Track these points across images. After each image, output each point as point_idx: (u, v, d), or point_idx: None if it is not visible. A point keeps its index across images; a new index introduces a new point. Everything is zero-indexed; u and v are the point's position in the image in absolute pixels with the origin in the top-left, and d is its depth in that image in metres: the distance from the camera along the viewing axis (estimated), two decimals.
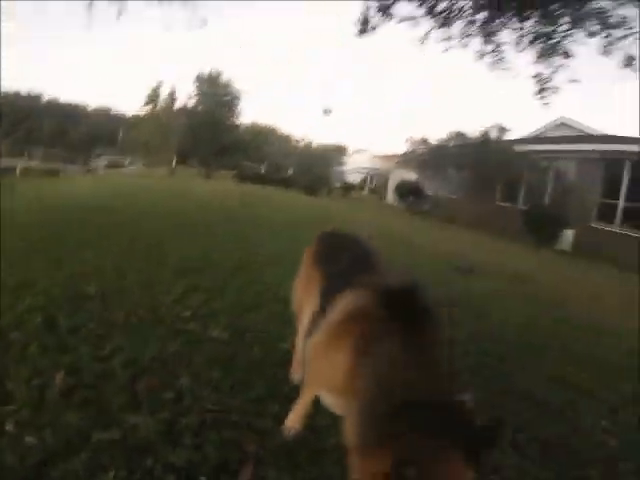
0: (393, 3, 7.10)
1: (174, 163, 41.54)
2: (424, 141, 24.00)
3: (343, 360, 1.45)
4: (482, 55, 7.37)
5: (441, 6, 7.19)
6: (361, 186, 42.59)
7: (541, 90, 7.20)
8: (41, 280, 4.03)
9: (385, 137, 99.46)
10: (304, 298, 2.17)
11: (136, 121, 47.36)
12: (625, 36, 6.05)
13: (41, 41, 75.70)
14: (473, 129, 21.96)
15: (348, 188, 37.07)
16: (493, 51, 7.43)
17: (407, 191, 25.48)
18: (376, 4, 7.24)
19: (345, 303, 1.65)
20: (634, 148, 15.19)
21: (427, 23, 7.30)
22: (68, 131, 55.99)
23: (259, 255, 6.44)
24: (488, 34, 7.24)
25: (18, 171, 26.74)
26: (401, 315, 1.41)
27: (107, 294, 3.93)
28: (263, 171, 36.60)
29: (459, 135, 22.36)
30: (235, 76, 71.82)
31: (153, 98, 45.81)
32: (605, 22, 6.05)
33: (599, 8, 6.04)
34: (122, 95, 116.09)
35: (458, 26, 7.33)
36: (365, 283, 1.67)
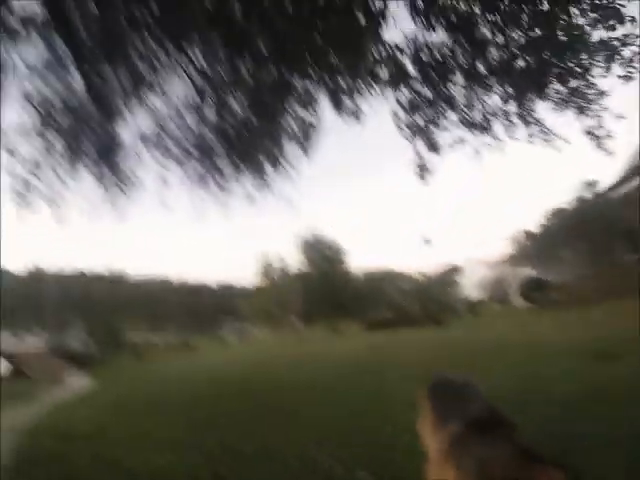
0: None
1: (298, 325, 43.19)
2: (528, 233, 22.95)
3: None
4: (531, 137, 7.36)
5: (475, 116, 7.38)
6: (485, 298, 40.44)
7: (598, 140, 6.87)
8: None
9: (489, 243, 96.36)
10: (428, 439, 2.44)
11: (255, 291, 51.32)
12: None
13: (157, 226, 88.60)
14: (562, 201, 20.74)
15: (473, 306, 35.52)
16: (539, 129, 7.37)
17: (530, 288, 23.92)
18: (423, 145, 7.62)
19: None
20: None
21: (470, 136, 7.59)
22: (197, 307, 61.81)
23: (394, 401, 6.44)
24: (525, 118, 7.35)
25: (159, 345, 29.60)
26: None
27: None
28: (388, 314, 36.42)
29: (557, 211, 21.16)
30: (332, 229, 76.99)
31: (266, 268, 49.94)
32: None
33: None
34: (238, 269, 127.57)
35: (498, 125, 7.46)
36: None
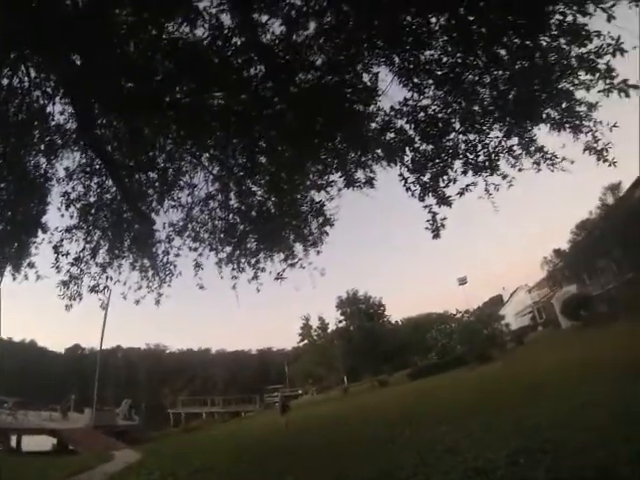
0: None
1: (345, 382, 42.84)
2: (557, 252, 22.81)
3: None
4: (537, 165, 7.63)
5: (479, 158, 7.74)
6: (532, 325, 39.46)
7: (598, 154, 7.19)
8: None
9: (522, 272, 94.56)
10: None
11: (298, 354, 51.35)
12: None
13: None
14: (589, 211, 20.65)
15: (520, 336, 34.75)
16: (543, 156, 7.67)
17: (573, 308, 23.43)
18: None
19: None
20: None
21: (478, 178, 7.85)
22: (239, 375, 61.59)
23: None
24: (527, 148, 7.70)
25: (204, 416, 29.57)
26: None
27: None
28: (434, 358, 35.88)
29: (582, 223, 21.12)
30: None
31: (305, 330, 50.09)
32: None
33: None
34: (279, 334, 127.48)
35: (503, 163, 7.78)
36: None
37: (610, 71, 6.14)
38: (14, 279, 8.84)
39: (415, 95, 7.12)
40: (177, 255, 9.46)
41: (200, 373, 69.66)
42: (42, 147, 8.23)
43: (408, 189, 7.62)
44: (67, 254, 8.76)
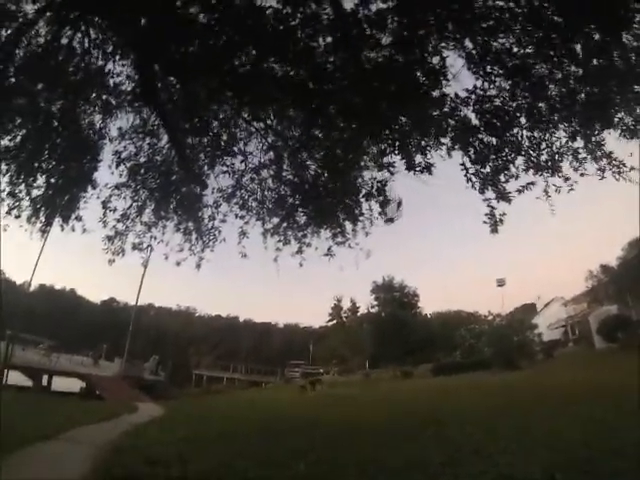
0: None
1: (367, 368, 42.82)
2: (605, 267, 21.78)
3: None
4: (602, 171, 7.21)
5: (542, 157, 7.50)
6: (564, 340, 38.21)
7: None
8: None
9: (564, 284, 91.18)
10: None
11: (324, 333, 51.67)
12: None
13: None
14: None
15: (550, 348, 33.73)
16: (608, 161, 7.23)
17: (612, 327, 22.44)
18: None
19: None
20: None
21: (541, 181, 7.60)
22: (263, 347, 62.34)
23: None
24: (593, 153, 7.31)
25: (225, 381, 30.28)
26: None
27: None
28: (459, 357, 35.29)
29: (635, 242, 20.00)
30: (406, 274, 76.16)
31: (336, 311, 50.23)
32: None
33: None
34: (307, 311, 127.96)
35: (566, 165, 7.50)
36: None
37: None
38: (62, 229, 9.10)
39: (483, 84, 6.76)
40: (223, 221, 9.42)
41: (226, 339, 71.06)
42: (98, 106, 8.34)
43: (469, 180, 7.30)
44: (114, 210, 9.00)
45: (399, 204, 8.29)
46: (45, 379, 24.27)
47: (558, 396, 10.78)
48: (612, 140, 7.08)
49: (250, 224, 9.36)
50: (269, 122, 8.16)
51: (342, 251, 9.13)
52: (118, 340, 38.24)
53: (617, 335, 22.40)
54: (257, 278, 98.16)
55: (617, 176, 7.12)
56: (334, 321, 51.38)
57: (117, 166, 8.74)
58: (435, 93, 6.65)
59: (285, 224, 9.23)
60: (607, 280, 21.82)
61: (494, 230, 7.59)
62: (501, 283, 48.73)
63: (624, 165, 6.99)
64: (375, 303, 45.93)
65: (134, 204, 9.10)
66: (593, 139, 7.13)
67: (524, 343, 30.85)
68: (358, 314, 49.63)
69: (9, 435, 5.97)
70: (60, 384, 24.37)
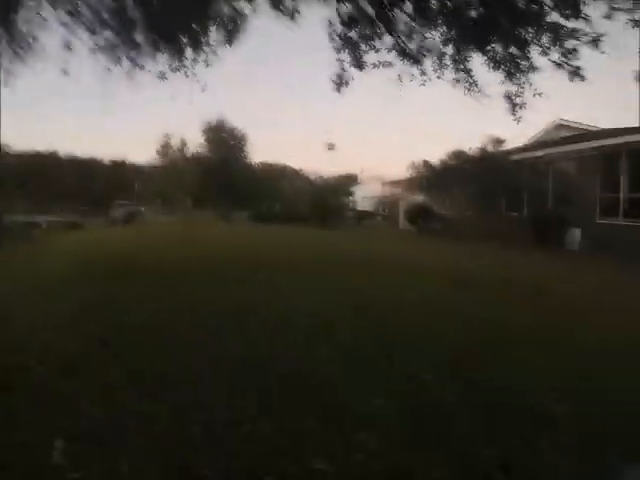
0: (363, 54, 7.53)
1: (191, 209, 42.80)
2: (426, 163, 24.37)
3: None
4: (457, 82, 7.77)
5: (411, 46, 7.59)
6: (374, 213, 42.87)
7: (513, 107, 7.55)
8: None
9: (388, 165, 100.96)
10: None
11: (151, 172, 49.44)
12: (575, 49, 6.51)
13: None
14: (470, 146, 22.33)
15: (361, 217, 37.54)
16: (466, 78, 7.73)
17: (416, 214, 25.87)
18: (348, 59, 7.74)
19: None
20: (629, 139, 15.22)
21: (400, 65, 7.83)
22: (87, 185, 57.69)
23: None
24: (458, 64, 7.65)
25: (45, 225, 27.98)
26: None
27: None
28: (278, 209, 36.83)
29: (458, 153, 22.72)
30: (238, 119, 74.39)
31: (165, 149, 47.75)
32: (557, 37, 6.49)
33: (552, 24, 6.47)
34: (135, 147, 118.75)
35: (428, 62, 7.78)
36: None
37: (572, 52, 6.65)
38: None
39: None
40: (42, 29, 7.72)
41: (44, 178, 62.53)
42: None
43: (331, 37, 7.49)
44: None
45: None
46: None
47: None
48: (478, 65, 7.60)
49: (77, 35, 7.73)
50: None
51: (177, 79, 8.47)
52: None
53: (418, 221, 25.96)
54: (81, 106, 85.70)
55: (466, 91, 7.87)
56: (164, 159, 48.90)
57: None
58: None
59: (119, 40, 7.87)
60: (425, 175, 24.53)
61: (337, 90, 7.99)
62: (331, 147, 50.81)
63: (477, 86, 7.74)
64: (205, 144, 44.54)
65: None
66: (462, 53, 7.53)
67: (339, 206, 34.00)
68: (188, 154, 47.78)
69: None
70: None
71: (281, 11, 6.93)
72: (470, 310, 5.96)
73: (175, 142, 47.78)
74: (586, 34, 6.36)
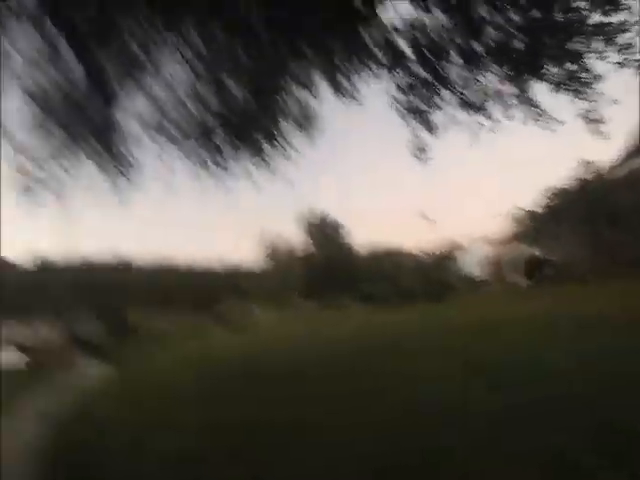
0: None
1: (303, 305, 43.67)
2: (527, 212, 22.89)
3: None
4: (527, 117, 7.34)
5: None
6: (486, 276, 40.38)
7: (591, 123, 6.86)
8: None
9: (486, 221, 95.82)
10: None
11: (260, 273, 51.77)
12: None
13: None
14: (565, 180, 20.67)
15: (474, 284, 35.81)
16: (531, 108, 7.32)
17: (532, 267, 24.10)
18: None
19: None
20: None
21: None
22: (200, 290, 60.70)
23: None
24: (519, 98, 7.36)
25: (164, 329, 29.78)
26: None
27: None
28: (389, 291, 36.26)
29: (557, 192, 20.98)
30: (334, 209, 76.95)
31: (270, 249, 50.11)
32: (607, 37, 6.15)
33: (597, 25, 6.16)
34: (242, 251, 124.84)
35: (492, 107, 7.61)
36: None
37: (629, 47, 5.89)
38: None
39: (420, 17, 6.58)
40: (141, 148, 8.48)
41: (164, 287, 67.14)
42: None
43: (397, 109, 7.36)
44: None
45: None
46: None
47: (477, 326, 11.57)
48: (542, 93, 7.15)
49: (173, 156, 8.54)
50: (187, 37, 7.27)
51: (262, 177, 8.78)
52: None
53: (535, 273, 23.99)
54: (192, 220, 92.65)
55: (541, 124, 7.19)
56: (269, 259, 51.24)
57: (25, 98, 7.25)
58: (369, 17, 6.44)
59: (209, 155, 8.61)
60: (530, 224, 23.05)
61: (419, 158, 7.65)
62: (427, 219, 49.82)
63: (548, 114, 7.07)
64: (307, 240, 46.56)
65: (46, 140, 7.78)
66: (522, 86, 7.15)
67: (449, 278, 32.46)
68: (292, 252, 49.84)
69: None
70: None
71: (342, 94, 7.14)
72: None
73: (278, 242, 50.11)
74: (634, 24, 5.88)
